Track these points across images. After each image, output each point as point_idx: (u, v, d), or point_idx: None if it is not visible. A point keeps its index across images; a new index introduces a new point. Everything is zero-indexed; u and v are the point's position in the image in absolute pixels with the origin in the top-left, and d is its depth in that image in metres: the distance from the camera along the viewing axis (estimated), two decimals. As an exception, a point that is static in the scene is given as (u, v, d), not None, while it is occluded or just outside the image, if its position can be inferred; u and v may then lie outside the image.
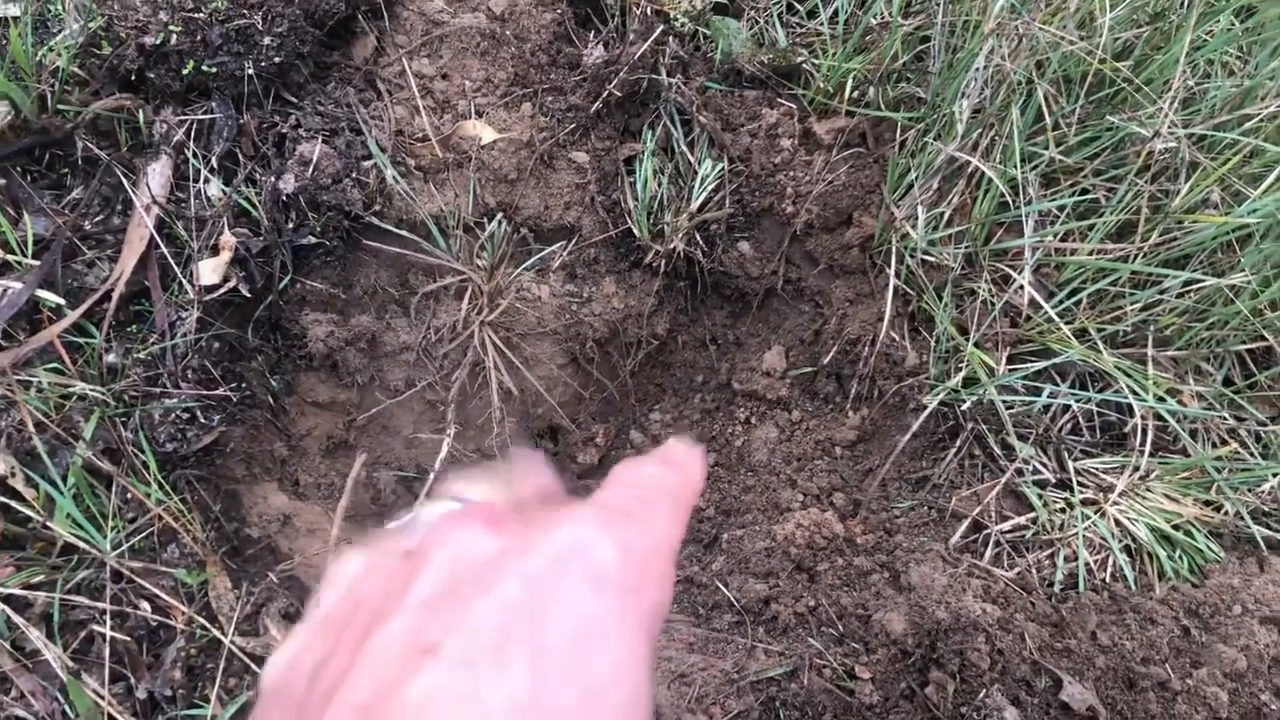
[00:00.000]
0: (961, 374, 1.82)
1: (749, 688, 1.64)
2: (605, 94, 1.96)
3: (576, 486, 1.96)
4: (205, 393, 1.70)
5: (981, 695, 1.54)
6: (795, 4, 2.08)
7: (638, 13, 2.01)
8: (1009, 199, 1.80)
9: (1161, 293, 1.81)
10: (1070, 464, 1.80)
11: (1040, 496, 1.79)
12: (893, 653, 1.63)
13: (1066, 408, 1.82)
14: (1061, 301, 1.83)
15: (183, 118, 1.85)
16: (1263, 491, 1.75)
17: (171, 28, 1.82)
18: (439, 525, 0.46)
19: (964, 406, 1.82)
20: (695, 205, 1.97)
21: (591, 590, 0.40)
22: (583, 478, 2.08)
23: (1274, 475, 1.75)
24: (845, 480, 1.91)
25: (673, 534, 0.48)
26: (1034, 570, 1.75)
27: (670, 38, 2.03)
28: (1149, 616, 1.68)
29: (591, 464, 2.09)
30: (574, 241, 1.98)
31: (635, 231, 1.98)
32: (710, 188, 1.96)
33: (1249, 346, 1.82)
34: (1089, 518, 1.77)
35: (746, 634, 1.73)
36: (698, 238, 2.01)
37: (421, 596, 0.42)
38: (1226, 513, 1.77)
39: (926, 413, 1.84)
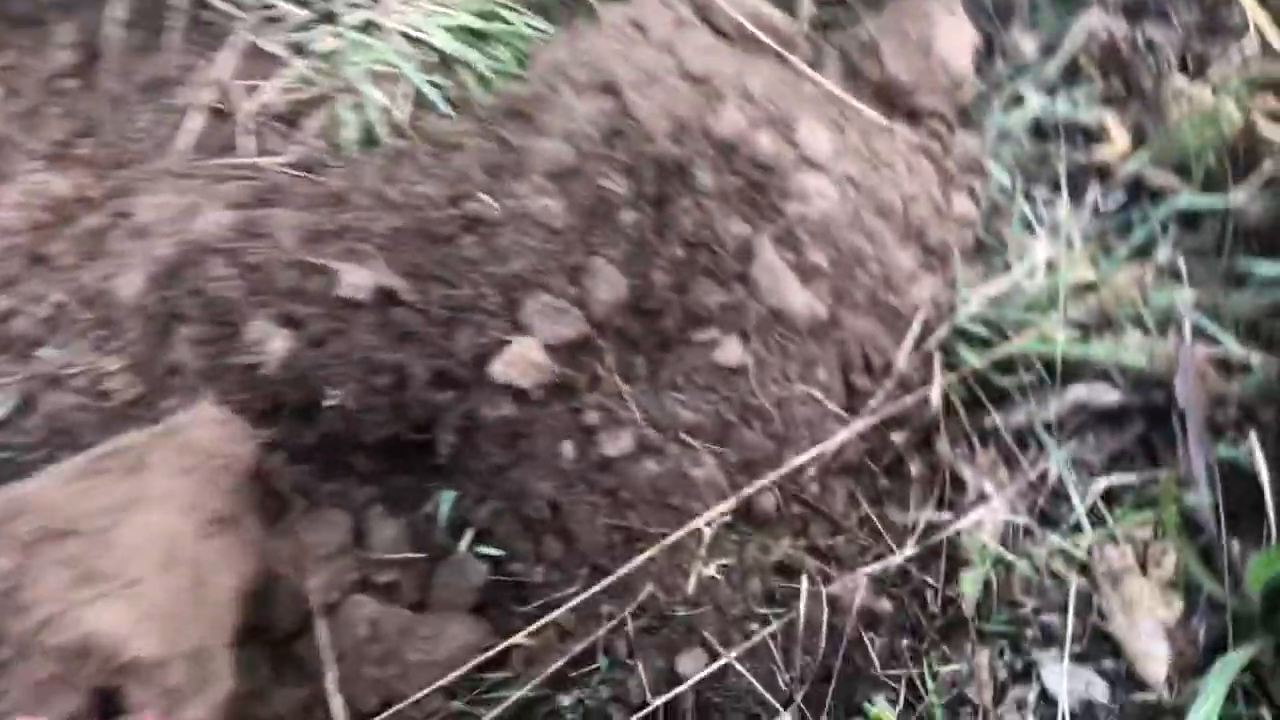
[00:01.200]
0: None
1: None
2: None
3: None
4: None
5: (243, 330, 1.12)
6: None
7: None
8: None
9: None
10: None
11: (296, 45, 1.28)
12: (142, 324, 1.17)
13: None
14: None
15: None
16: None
17: None
18: None
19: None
20: None
21: None
22: None
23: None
24: (85, 118, 1.35)
25: None
26: (315, 140, 1.28)
27: None
28: (455, 143, 1.26)
29: None
30: None
31: None
32: None
33: None
34: (369, 46, 1.28)
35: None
36: None
37: None
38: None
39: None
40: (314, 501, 1.14)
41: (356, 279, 1.15)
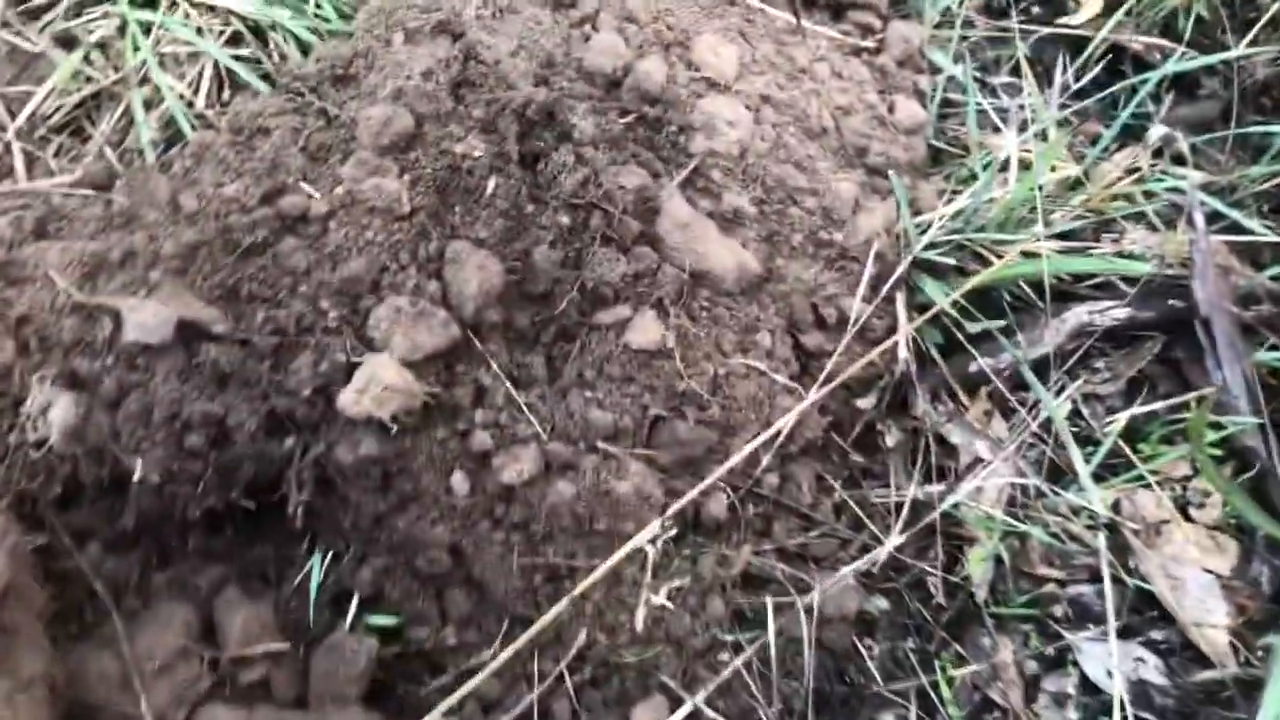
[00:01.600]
0: None
1: None
2: None
3: None
4: None
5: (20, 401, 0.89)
6: None
7: None
8: None
9: None
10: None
11: (65, 37, 1.04)
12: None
13: None
14: None
15: None
16: None
17: None
18: None
19: None
20: None
21: None
22: None
23: None
24: None
25: None
26: (108, 149, 1.04)
27: None
28: (262, 126, 1.01)
29: None
30: None
31: None
32: None
33: None
34: (167, 27, 1.04)
35: None
36: None
37: None
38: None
39: None
40: (147, 598, 0.91)
41: (144, 317, 0.90)
